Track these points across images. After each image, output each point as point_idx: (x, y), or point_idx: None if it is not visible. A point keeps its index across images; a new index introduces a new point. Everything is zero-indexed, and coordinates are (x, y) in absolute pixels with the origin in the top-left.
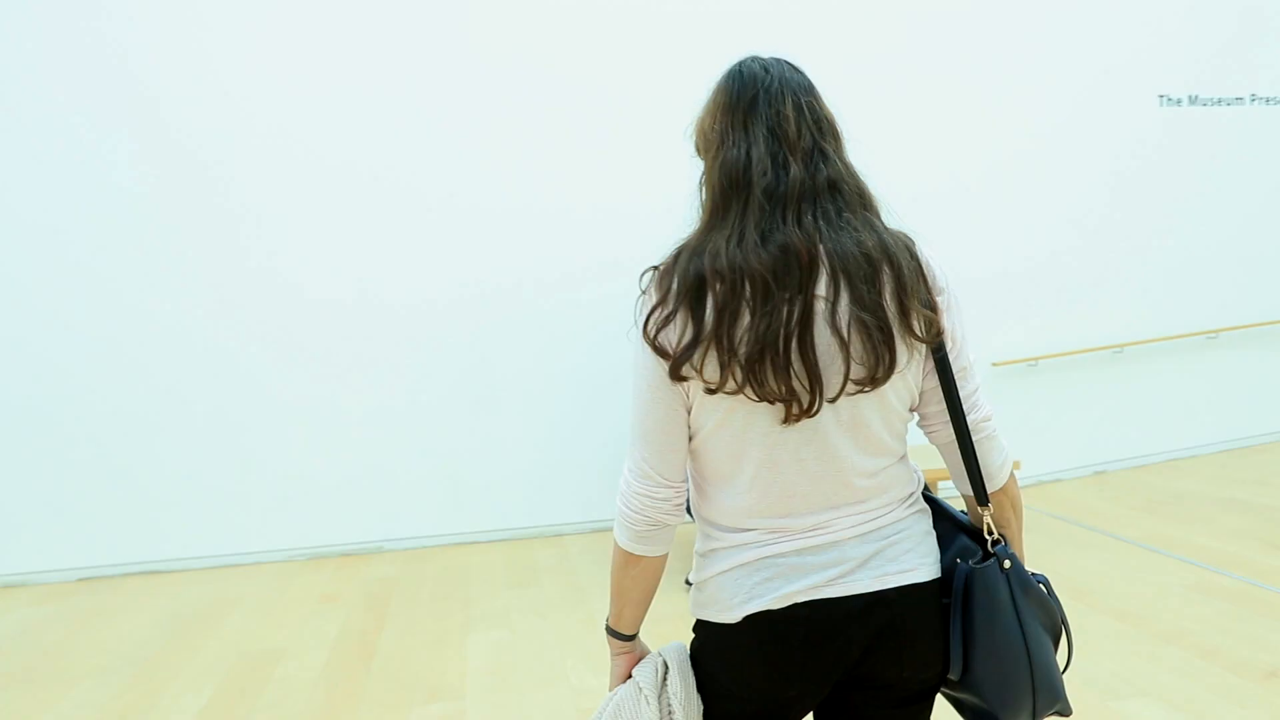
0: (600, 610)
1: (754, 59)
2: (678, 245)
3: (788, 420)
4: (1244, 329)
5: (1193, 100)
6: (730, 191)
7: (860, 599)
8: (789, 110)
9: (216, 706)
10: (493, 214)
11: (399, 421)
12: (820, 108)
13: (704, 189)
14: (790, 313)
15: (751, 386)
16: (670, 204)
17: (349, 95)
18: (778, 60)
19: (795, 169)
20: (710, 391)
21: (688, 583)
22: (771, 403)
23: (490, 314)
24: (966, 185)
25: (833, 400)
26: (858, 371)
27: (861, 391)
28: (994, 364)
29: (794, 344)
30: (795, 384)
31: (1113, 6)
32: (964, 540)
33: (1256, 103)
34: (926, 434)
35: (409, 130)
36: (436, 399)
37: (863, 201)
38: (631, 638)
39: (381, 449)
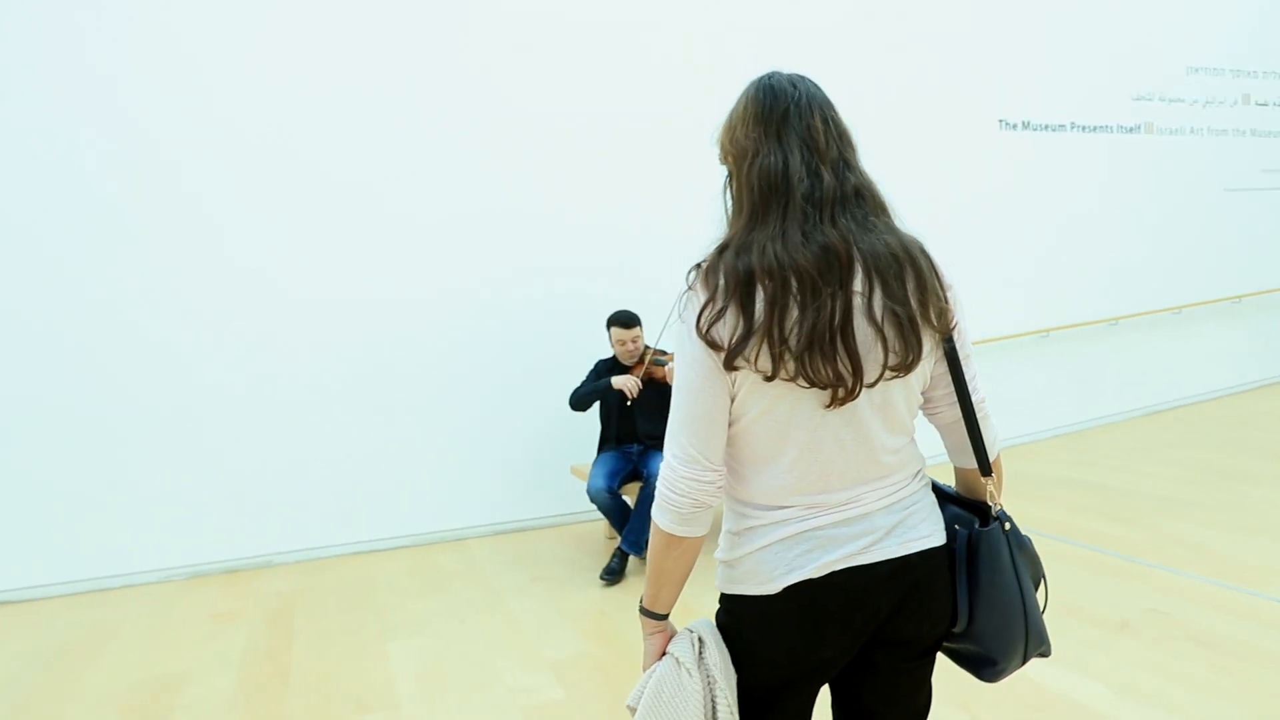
0: (519, 611)
1: (778, 74)
2: (718, 243)
3: (832, 405)
4: (1071, 328)
5: (1026, 125)
6: (770, 195)
7: (888, 564)
8: (818, 123)
9: None
10: (397, 217)
11: (290, 426)
12: (841, 122)
13: (735, 191)
14: (834, 307)
15: (804, 375)
16: (578, 214)
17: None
18: (800, 77)
19: (828, 177)
20: (768, 379)
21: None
22: (822, 389)
23: (390, 316)
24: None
25: (871, 385)
26: (893, 359)
27: (896, 377)
28: None
29: (839, 335)
30: (842, 371)
31: (960, 40)
32: (953, 509)
33: (1075, 129)
34: (930, 415)
35: (317, 127)
36: (331, 402)
37: (881, 207)
38: (665, 617)
39: (270, 456)
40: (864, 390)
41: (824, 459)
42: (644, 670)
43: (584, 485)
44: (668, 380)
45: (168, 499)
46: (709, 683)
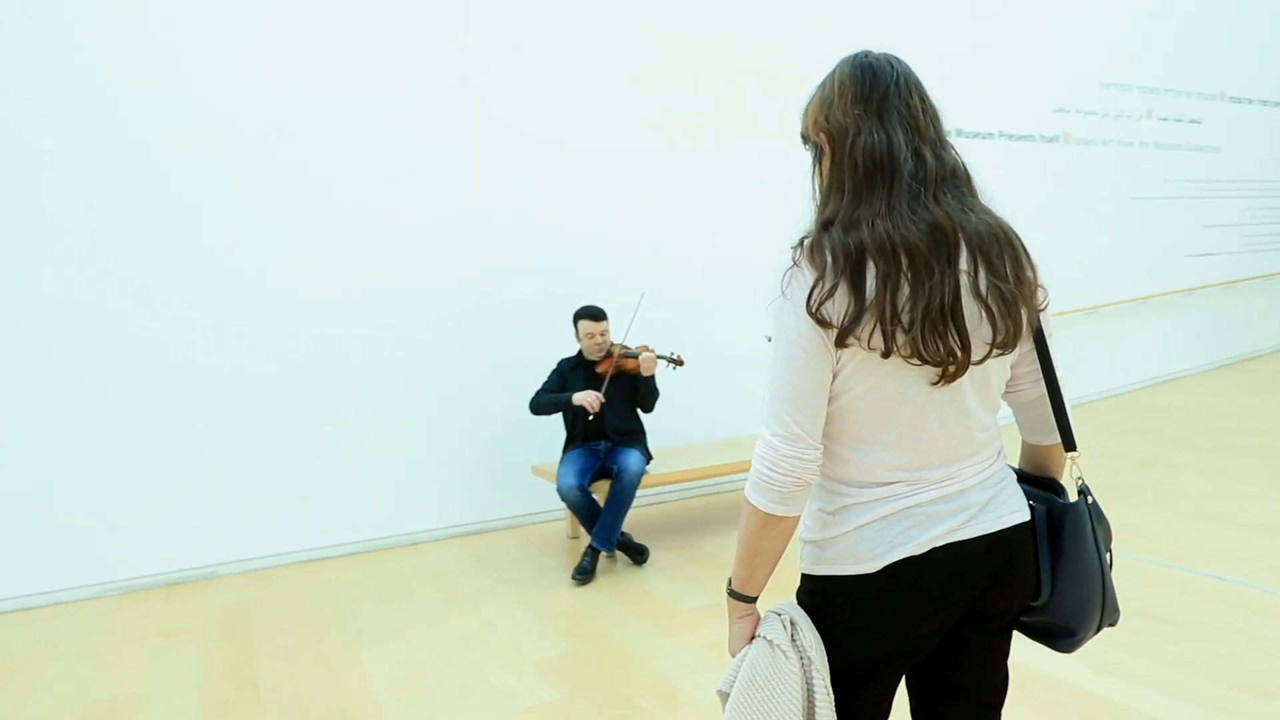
0: (493, 614)
1: (872, 53)
2: (821, 219)
3: (940, 382)
4: None
5: (959, 133)
6: (875, 172)
7: (984, 539)
8: (916, 103)
9: None
10: (352, 216)
11: (232, 429)
12: (933, 103)
13: (830, 168)
14: (945, 285)
15: (916, 352)
16: (537, 217)
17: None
18: (895, 57)
19: (929, 157)
20: (885, 355)
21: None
22: (934, 365)
23: (342, 314)
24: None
25: (979, 363)
26: (999, 337)
27: (1001, 354)
28: None
29: (950, 313)
30: (953, 347)
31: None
32: (1024, 486)
33: (1002, 138)
34: (1011, 393)
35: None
36: (277, 403)
37: (974, 188)
38: (755, 600)
39: (211, 460)
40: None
41: (927, 436)
42: (732, 654)
43: (545, 485)
44: (640, 372)
45: (99, 509)
46: (805, 664)
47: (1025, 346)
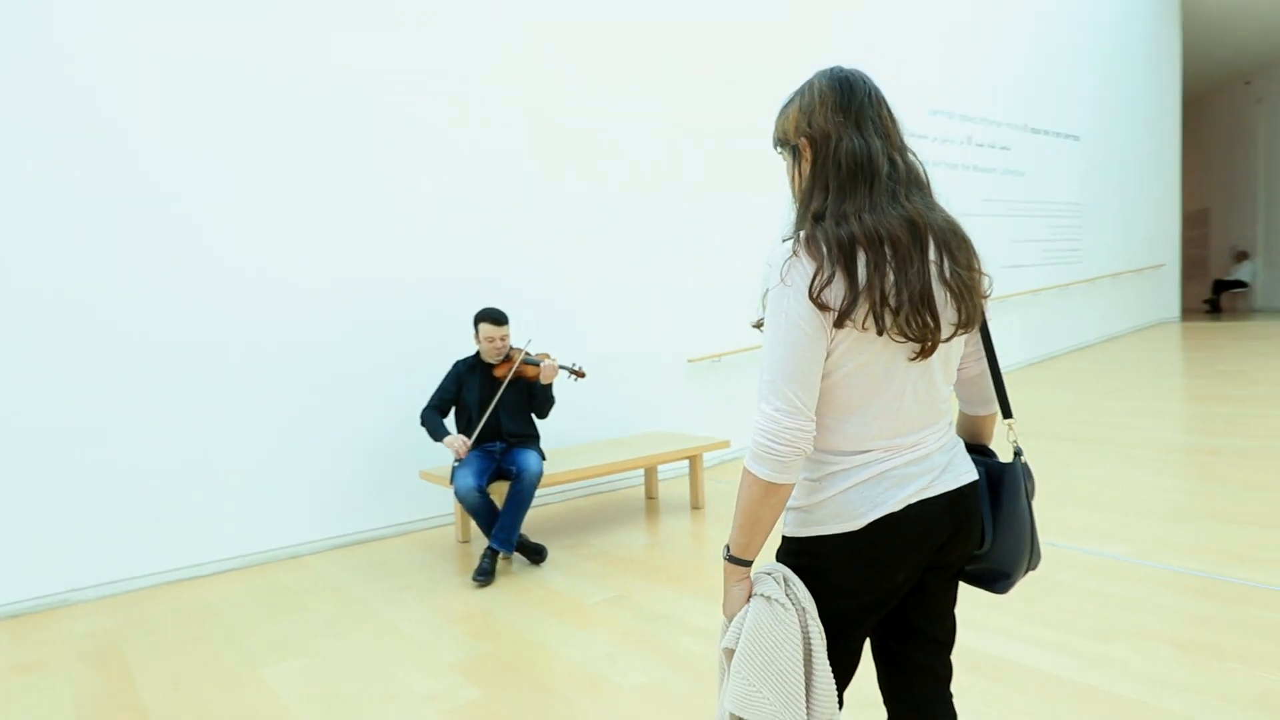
0: (397, 621)
1: (844, 69)
2: (813, 214)
3: (917, 358)
4: None
5: None
6: (857, 173)
7: (946, 496)
8: (886, 114)
9: None
10: (221, 211)
11: (80, 440)
12: (896, 114)
13: (813, 169)
14: (922, 273)
15: (902, 331)
16: (425, 224)
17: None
18: (863, 73)
19: (899, 161)
20: (879, 334)
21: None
22: (916, 343)
23: (206, 314)
24: (670, 217)
25: (946, 340)
26: (962, 318)
27: (962, 333)
28: (689, 360)
29: (925, 297)
30: (930, 326)
31: (752, 69)
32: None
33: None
34: (961, 370)
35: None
36: (134, 412)
37: (930, 189)
38: (751, 564)
39: (62, 475)
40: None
41: (904, 406)
42: (727, 615)
43: (431, 489)
44: (539, 380)
45: None
46: (801, 614)
47: (971, 334)
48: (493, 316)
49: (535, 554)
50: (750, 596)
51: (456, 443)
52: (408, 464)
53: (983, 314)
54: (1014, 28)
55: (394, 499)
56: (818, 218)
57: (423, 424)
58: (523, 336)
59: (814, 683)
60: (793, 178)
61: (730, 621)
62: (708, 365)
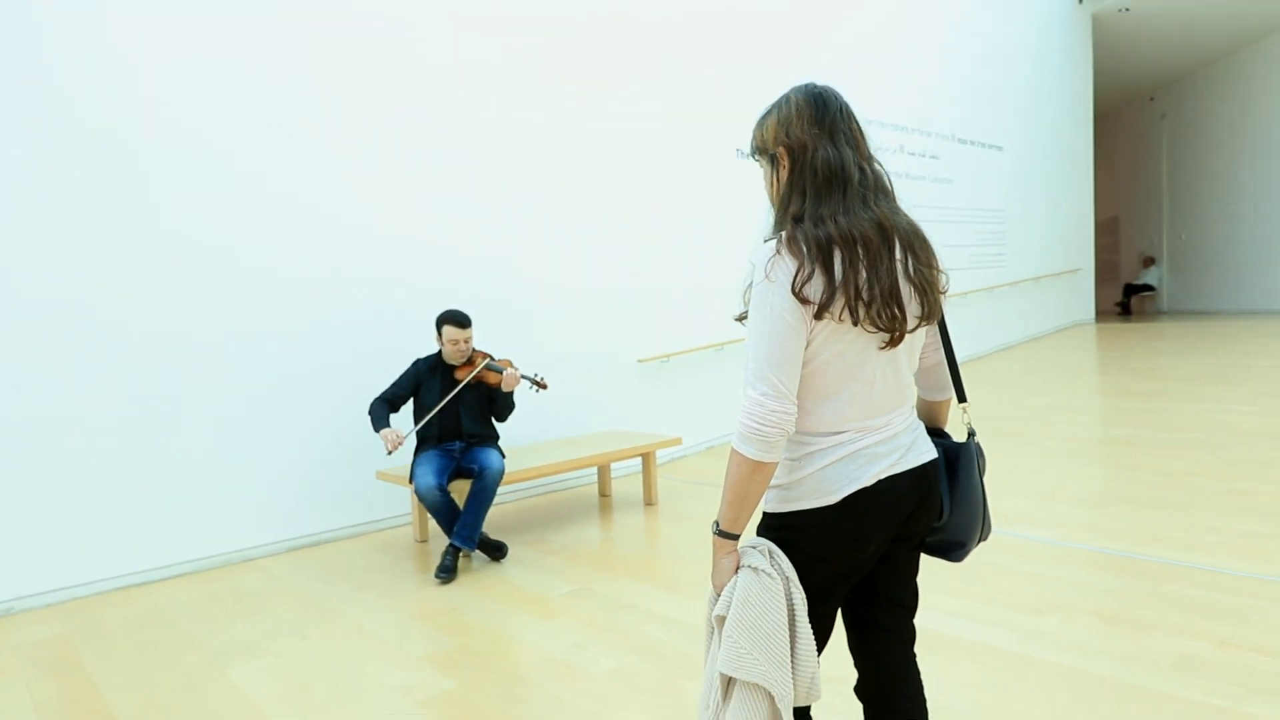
0: (362, 620)
1: (818, 84)
2: (792, 216)
3: (887, 347)
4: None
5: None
6: (833, 180)
7: (911, 472)
8: (856, 127)
9: None
10: (170, 208)
11: (21, 444)
12: (863, 128)
13: (791, 176)
14: (890, 270)
15: (874, 322)
16: (388, 226)
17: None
18: (834, 89)
19: (868, 170)
20: (855, 324)
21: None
22: (885, 333)
23: (153, 309)
24: (622, 223)
25: (911, 331)
26: (925, 311)
27: (923, 325)
28: (639, 360)
29: (893, 292)
30: (898, 318)
31: (702, 79)
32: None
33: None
34: (921, 359)
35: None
36: (78, 413)
37: (893, 195)
38: (738, 538)
39: (8, 479)
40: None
41: (874, 391)
42: (716, 586)
43: (387, 489)
44: (502, 386)
45: None
46: (785, 582)
47: (931, 326)
48: (456, 319)
49: (496, 551)
50: (738, 568)
51: (391, 435)
52: (363, 464)
53: (941, 308)
54: (947, 46)
55: (349, 500)
56: (797, 220)
57: (369, 413)
58: (482, 340)
59: (797, 644)
60: (770, 183)
61: (719, 592)
62: (657, 365)
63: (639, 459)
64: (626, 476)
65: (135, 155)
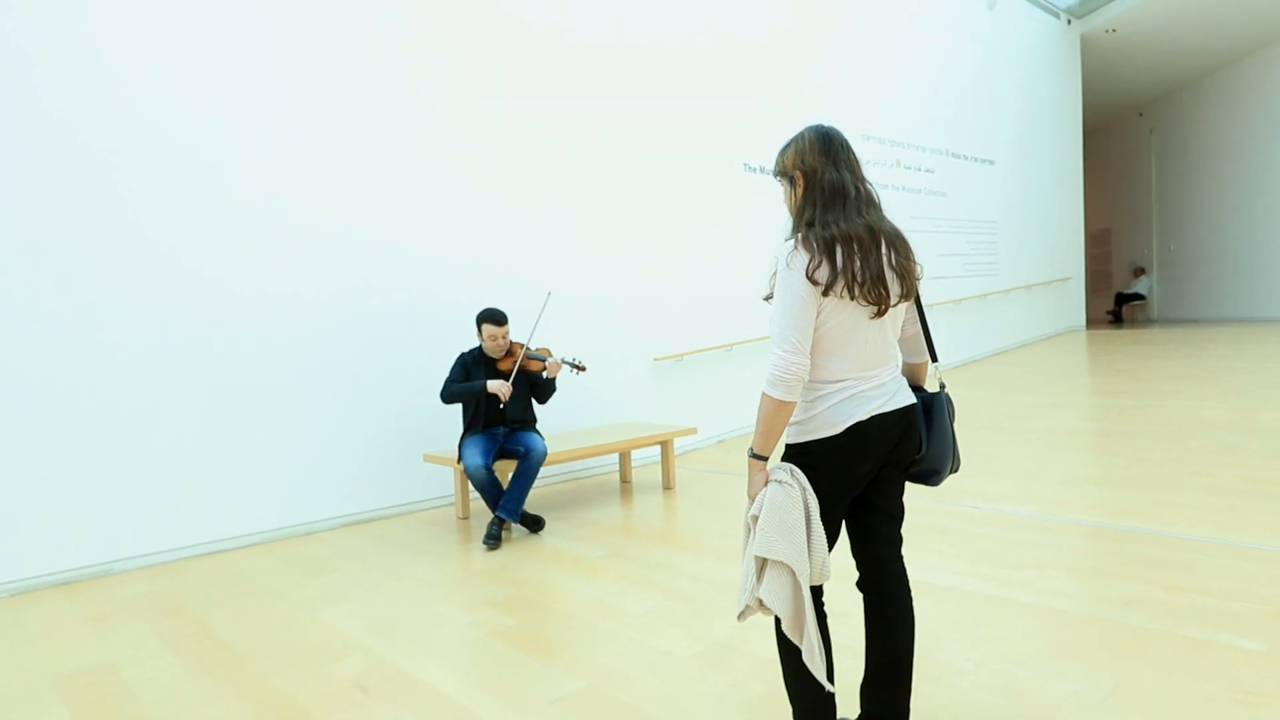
0: (425, 577)
1: (824, 125)
2: (805, 221)
3: (875, 317)
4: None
5: (763, 170)
6: (835, 196)
7: (895, 412)
8: (853, 157)
9: None
10: (255, 225)
11: (121, 427)
12: (858, 157)
13: (804, 192)
14: (878, 261)
15: (866, 298)
16: (405, 243)
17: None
18: (835, 128)
19: (863, 190)
20: (851, 299)
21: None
22: (874, 306)
23: (242, 317)
24: (642, 237)
25: (893, 306)
26: (904, 290)
27: (902, 302)
28: (655, 359)
29: (880, 277)
30: (883, 296)
31: (711, 101)
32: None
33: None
34: (902, 331)
35: (191, 123)
36: (170, 401)
37: (880, 207)
38: (767, 459)
39: (100, 459)
40: (889, 310)
41: (866, 350)
42: (750, 496)
43: (434, 472)
44: (544, 373)
45: None
46: (803, 492)
47: (909, 303)
48: (494, 318)
49: (535, 524)
50: (767, 482)
51: (504, 387)
52: (411, 449)
53: (916, 290)
54: (941, 66)
55: (399, 481)
56: (809, 224)
57: (451, 395)
58: (521, 334)
59: (812, 536)
60: (788, 197)
61: (752, 499)
62: (672, 364)
63: (657, 448)
64: (643, 467)
65: (247, 152)
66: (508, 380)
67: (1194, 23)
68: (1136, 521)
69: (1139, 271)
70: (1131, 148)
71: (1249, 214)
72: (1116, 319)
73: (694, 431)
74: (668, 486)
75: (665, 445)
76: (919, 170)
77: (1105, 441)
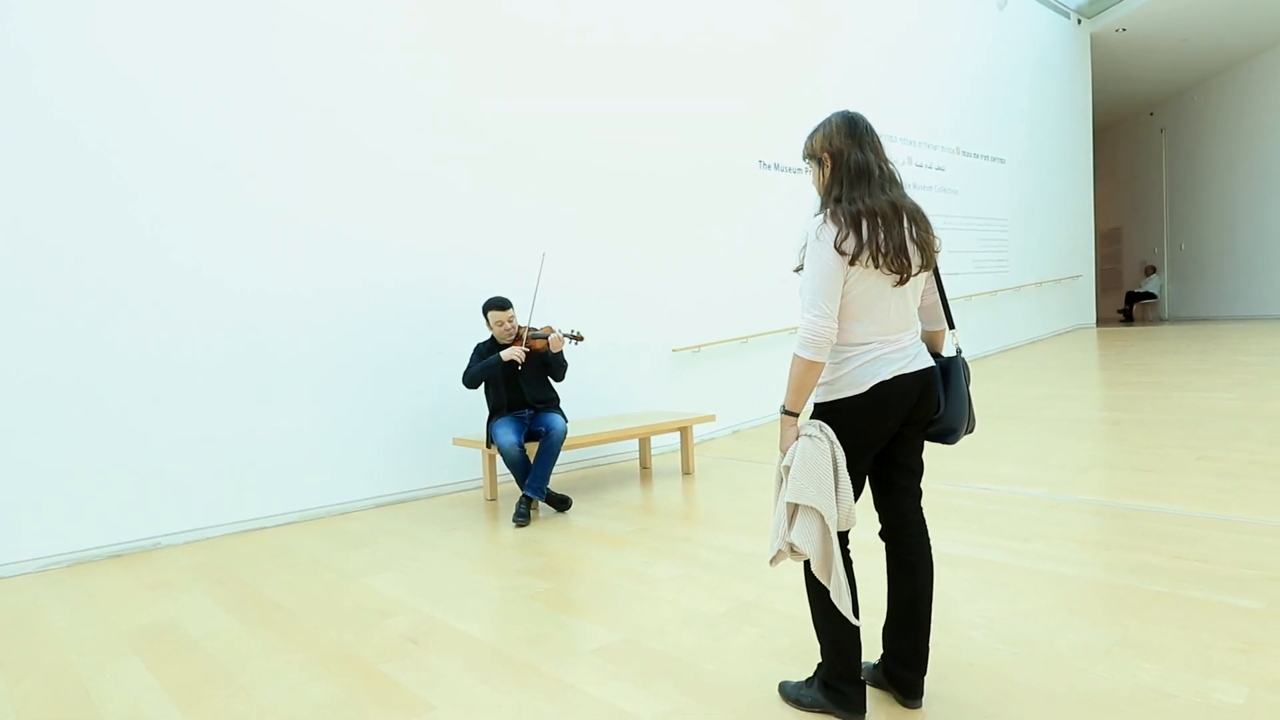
0: (461, 550)
1: (850, 110)
2: (833, 198)
3: (898, 285)
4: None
5: (778, 166)
6: (861, 175)
7: (916, 373)
8: (876, 139)
9: (170, 682)
10: (293, 228)
11: (169, 411)
12: (881, 139)
13: (832, 171)
14: (900, 234)
15: (889, 267)
16: (428, 239)
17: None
18: (860, 113)
19: (886, 169)
20: (876, 268)
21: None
22: (897, 274)
23: (284, 312)
24: (662, 233)
25: (914, 275)
26: (924, 262)
27: (922, 272)
28: (674, 349)
29: (902, 248)
30: (905, 266)
31: (729, 100)
32: None
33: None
34: (922, 300)
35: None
36: (215, 386)
37: (902, 185)
38: (797, 415)
39: (153, 441)
40: (910, 279)
41: (890, 316)
42: (782, 449)
43: (462, 455)
44: (550, 349)
45: (42, 485)
46: (831, 445)
47: (928, 274)
48: (498, 304)
49: (562, 503)
50: (799, 436)
51: (517, 351)
52: (440, 434)
53: (935, 262)
54: (952, 65)
55: (429, 464)
56: (837, 201)
57: (473, 378)
58: (523, 317)
59: (839, 485)
60: (817, 178)
61: (784, 452)
62: (690, 354)
63: (676, 436)
64: (662, 455)
65: (271, 152)
66: (516, 366)
67: (1204, 22)
68: (1144, 501)
69: (1150, 270)
70: (1142, 147)
71: (1260, 213)
72: (1127, 318)
73: (713, 418)
74: (687, 472)
75: (685, 431)
76: (930, 168)
77: (1114, 429)
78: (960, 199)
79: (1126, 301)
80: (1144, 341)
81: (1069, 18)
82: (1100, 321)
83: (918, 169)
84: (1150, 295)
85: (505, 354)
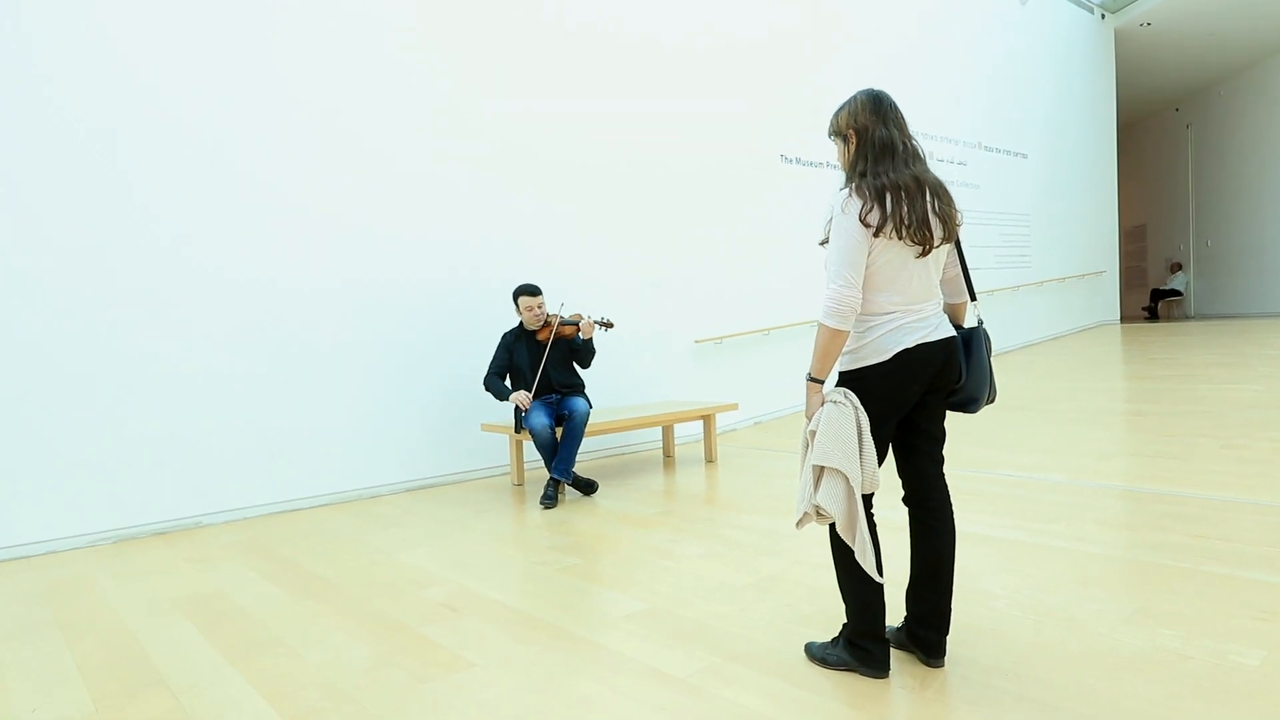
0: (491, 529)
1: (874, 89)
2: (859, 173)
3: (920, 256)
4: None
5: (800, 161)
6: (885, 150)
7: (939, 342)
8: (900, 116)
9: (221, 643)
10: (329, 226)
11: (210, 395)
12: (904, 116)
13: (858, 147)
14: (923, 207)
15: (912, 239)
16: (463, 235)
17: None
18: (885, 91)
19: (909, 145)
20: (899, 239)
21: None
22: (920, 246)
23: (317, 306)
24: (686, 226)
25: (936, 247)
26: (946, 234)
27: (944, 244)
28: (696, 341)
29: (925, 220)
30: (927, 238)
31: (750, 95)
32: None
33: (829, 167)
34: (944, 273)
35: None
36: (253, 374)
37: (925, 160)
38: (823, 382)
39: (190, 421)
40: (932, 250)
41: (913, 286)
42: (809, 415)
43: (488, 441)
44: (580, 336)
45: (88, 465)
46: (855, 411)
47: (949, 247)
48: (529, 290)
49: (588, 487)
50: (824, 403)
51: (521, 397)
52: (468, 421)
53: (956, 235)
54: (973, 59)
55: (457, 450)
56: (862, 175)
57: (487, 389)
58: (555, 304)
59: (863, 449)
60: (842, 154)
61: (810, 418)
62: (712, 346)
63: (698, 426)
64: (684, 444)
65: (285, 152)
66: (543, 352)
67: (1230, 16)
68: (1167, 486)
69: (1176, 267)
70: (1167, 143)
71: None
72: (1152, 315)
73: (736, 406)
74: (710, 460)
75: (708, 419)
76: (951, 162)
77: (1138, 420)
78: (982, 194)
79: (1152, 298)
80: (1169, 337)
81: (1093, 12)
82: (1125, 318)
83: (939, 163)
84: (1176, 292)
85: (514, 398)
